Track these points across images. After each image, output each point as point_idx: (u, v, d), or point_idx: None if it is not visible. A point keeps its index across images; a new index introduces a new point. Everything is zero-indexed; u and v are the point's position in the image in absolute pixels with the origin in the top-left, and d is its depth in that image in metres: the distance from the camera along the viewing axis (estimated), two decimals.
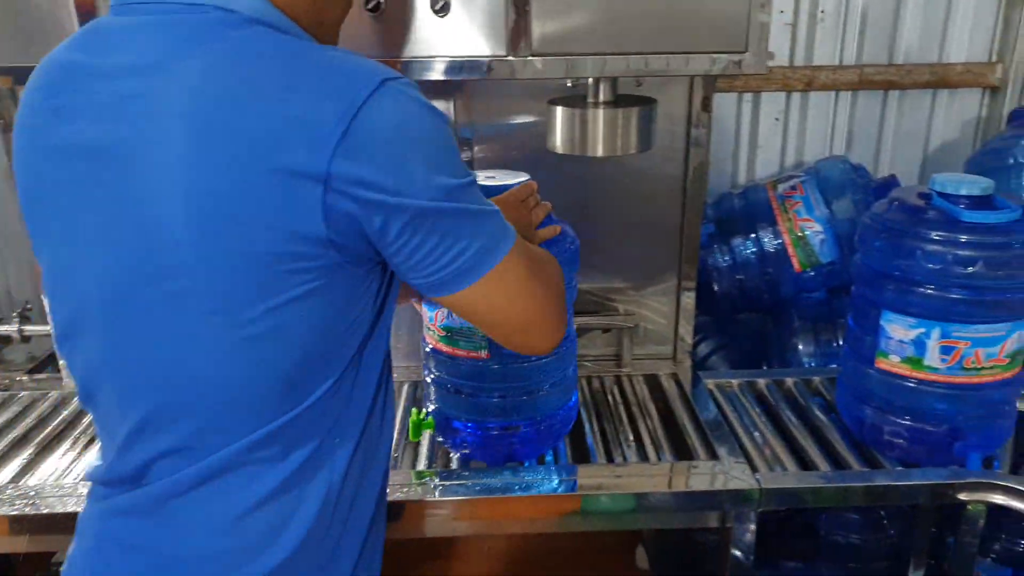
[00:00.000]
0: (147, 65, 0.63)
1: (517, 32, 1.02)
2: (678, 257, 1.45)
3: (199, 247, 0.62)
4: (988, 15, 1.82)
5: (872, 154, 1.91)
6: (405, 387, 1.46)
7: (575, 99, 1.15)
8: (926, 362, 1.12)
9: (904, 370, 1.15)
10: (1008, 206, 1.10)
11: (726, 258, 1.53)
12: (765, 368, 1.63)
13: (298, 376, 0.68)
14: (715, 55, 1.04)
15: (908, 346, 1.13)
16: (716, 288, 1.55)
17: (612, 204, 1.42)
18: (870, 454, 1.23)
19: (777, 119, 1.87)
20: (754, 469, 1.16)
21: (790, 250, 1.48)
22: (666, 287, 1.48)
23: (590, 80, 1.12)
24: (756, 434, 1.29)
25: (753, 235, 1.51)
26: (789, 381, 1.45)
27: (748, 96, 1.85)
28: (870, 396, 1.20)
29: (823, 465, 1.19)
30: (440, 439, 1.22)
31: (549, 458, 1.21)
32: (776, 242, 1.49)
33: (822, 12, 1.80)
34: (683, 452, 1.25)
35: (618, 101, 1.15)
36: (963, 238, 1.07)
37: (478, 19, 1.02)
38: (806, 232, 1.47)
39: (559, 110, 1.13)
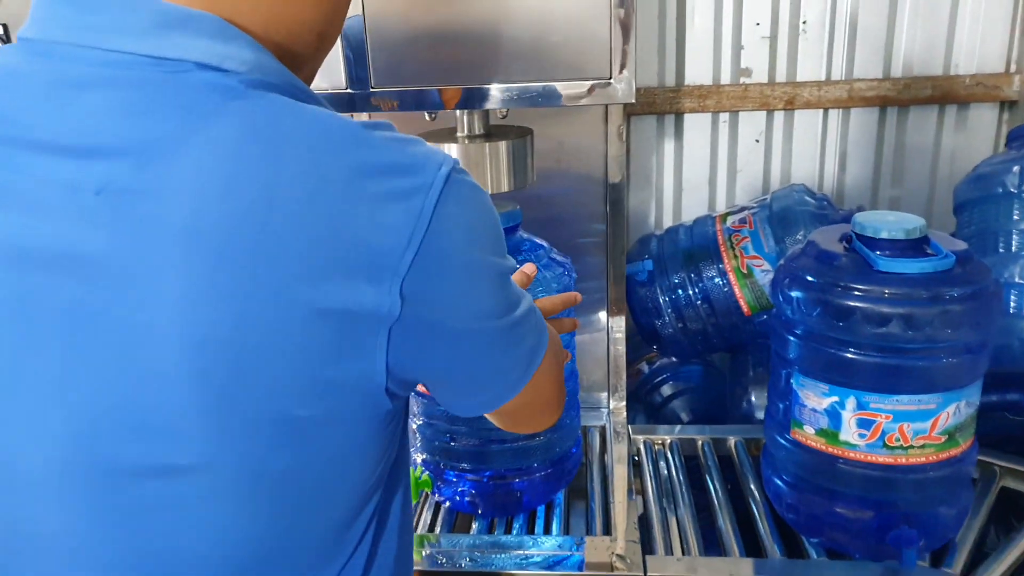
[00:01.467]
0: (111, 147, 0.44)
1: (356, 65, 0.93)
2: (605, 299, 1.32)
3: (203, 411, 0.44)
4: (1001, 21, 1.59)
5: (869, 176, 1.71)
6: None
7: (445, 133, 1.05)
8: (842, 436, 0.96)
9: (819, 444, 0.98)
10: (941, 252, 0.92)
11: (668, 298, 1.38)
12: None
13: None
14: (569, 83, 0.92)
15: (822, 416, 0.97)
16: (660, 331, 1.40)
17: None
18: (795, 540, 1.06)
19: (758, 140, 1.70)
20: (648, 551, 1.02)
21: (737, 291, 1.32)
22: (595, 331, 1.35)
23: (457, 112, 1.02)
24: (666, 503, 1.14)
25: (695, 273, 1.35)
26: (731, 440, 1.29)
27: (724, 116, 1.68)
28: (787, 470, 1.04)
29: (734, 549, 1.04)
30: (434, 492, 1.16)
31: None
32: (721, 281, 1.33)
33: (804, 23, 1.63)
34: (574, 525, 1.13)
35: (491, 133, 1.04)
36: (877, 290, 0.90)
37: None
38: (753, 271, 1.31)
39: None
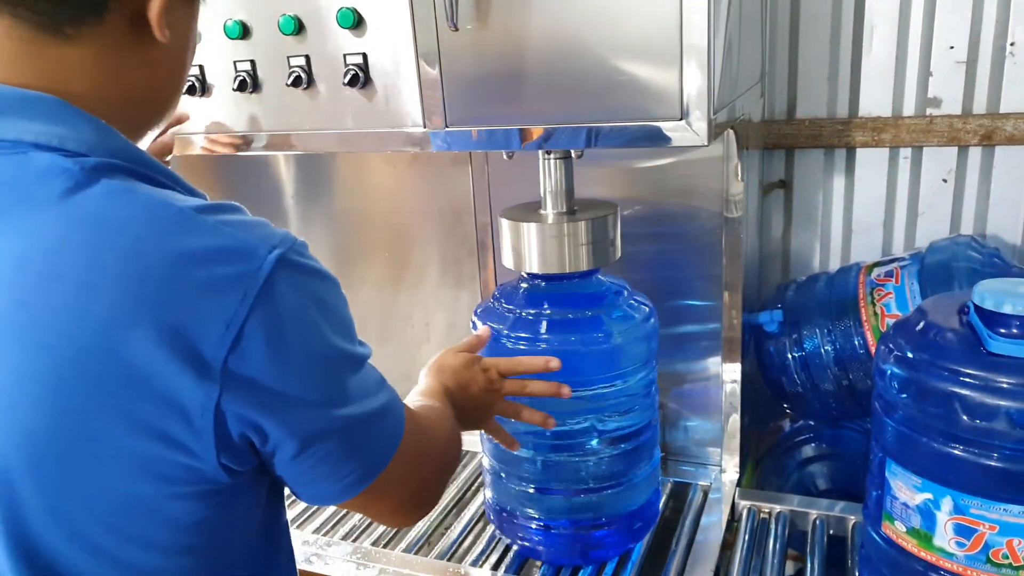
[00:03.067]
0: None
1: (431, 103, 0.96)
2: (720, 350, 1.23)
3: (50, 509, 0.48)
4: None
5: None
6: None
7: (529, 209, 1.05)
8: (936, 541, 0.81)
9: (910, 545, 0.83)
10: None
11: (797, 353, 1.24)
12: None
13: None
14: (637, 124, 0.87)
15: (914, 513, 0.82)
16: (787, 388, 1.27)
17: (651, 285, 1.25)
18: None
19: (945, 180, 1.48)
20: None
21: (874, 352, 1.16)
22: (706, 379, 1.26)
23: (543, 189, 1.02)
24: None
25: (829, 329, 1.21)
26: (849, 521, 1.13)
27: (905, 152, 1.49)
28: (878, 568, 0.89)
29: None
30: (498, 531, 1.15)
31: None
32: (858, 341, 1.18)
33: (1012, 45, 1.39)
34: None
35: (574, 210, 1.02)
36: (984, 376, 0.75)
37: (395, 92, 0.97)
38: None
39: (504, 223, 1.03)
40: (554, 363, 0.88)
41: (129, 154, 0.51)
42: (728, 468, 1.25)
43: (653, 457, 1.11)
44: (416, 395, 0.81)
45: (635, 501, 1.07)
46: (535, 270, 1.01)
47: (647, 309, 1.06)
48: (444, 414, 0.77)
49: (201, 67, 1.05)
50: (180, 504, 0.50)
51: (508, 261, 1.04)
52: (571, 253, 1.00)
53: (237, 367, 0.47)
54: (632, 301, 1.05)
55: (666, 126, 0.86)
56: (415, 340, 1.50)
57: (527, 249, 1.01)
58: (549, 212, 1.03)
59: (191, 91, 1.06)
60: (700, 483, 1.25)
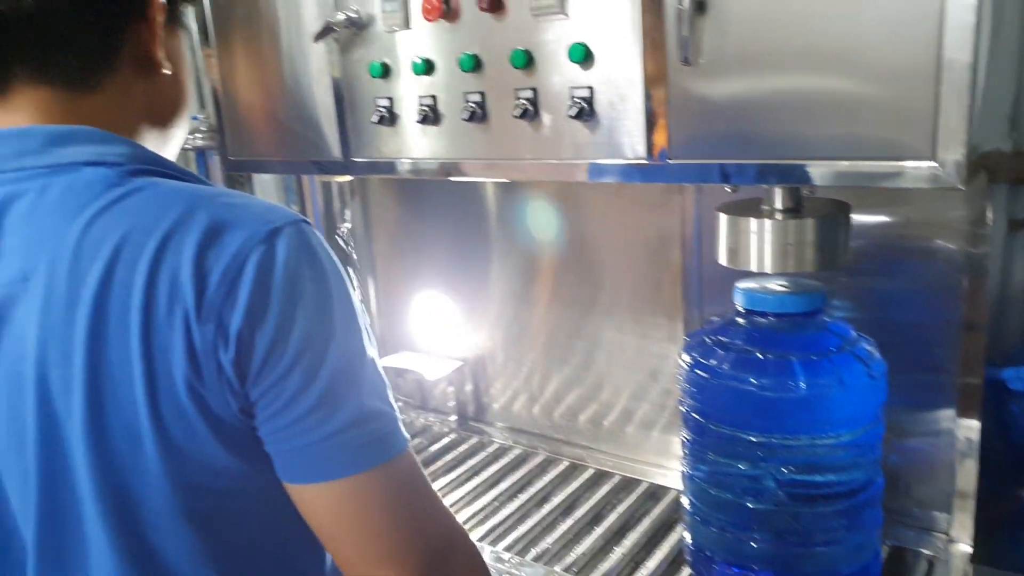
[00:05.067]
0: (33, 245, 0.58)
1: (653, 135, 0.95)
2: (954, 403, 1.11)
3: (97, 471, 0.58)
4: None
5: None
6: (641, 487, 1.41)
7: (748, 205, 1.00)
8: None
9: None
10: None
11: None
12: None
13: None
14: (878, 162, 0.81)
15: None
16: None
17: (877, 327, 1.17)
18: None
19: None
20: None
21: None
22: (938, 435, 1.15)
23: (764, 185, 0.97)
24: None
25: None
26: None
27: None
28: None
29: None
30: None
31: None
32: None
33: None
34: None
35: (799, 208, 0.96)
36: None
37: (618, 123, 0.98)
38: None
39: (722, 218, 1.00)
40: None
41: (155, 160, 0.63)
42: (959, 538, 1.13)
43: (874, 519, 1.02)
44: None
45: (850, 564, 1.00)
46: (754, 268, 0.96)
47: (876, 356, 0.99)
48: None
49: (434, 97, 1.12)
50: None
51: (723, 258, 1.00)
52: (795, 252, 0.94)
53: (221, 307, 0.54)
54: (860, 346, 0.98)
55: (912, 165, 0.79)
56: (608, 365, 1.50)
57: (745, 246, 0.96)
58: (773, 208, 0.97)
59: (424, 120, 1.12)
60: (924, 551, 1.14)
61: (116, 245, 0.55)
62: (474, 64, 1.05)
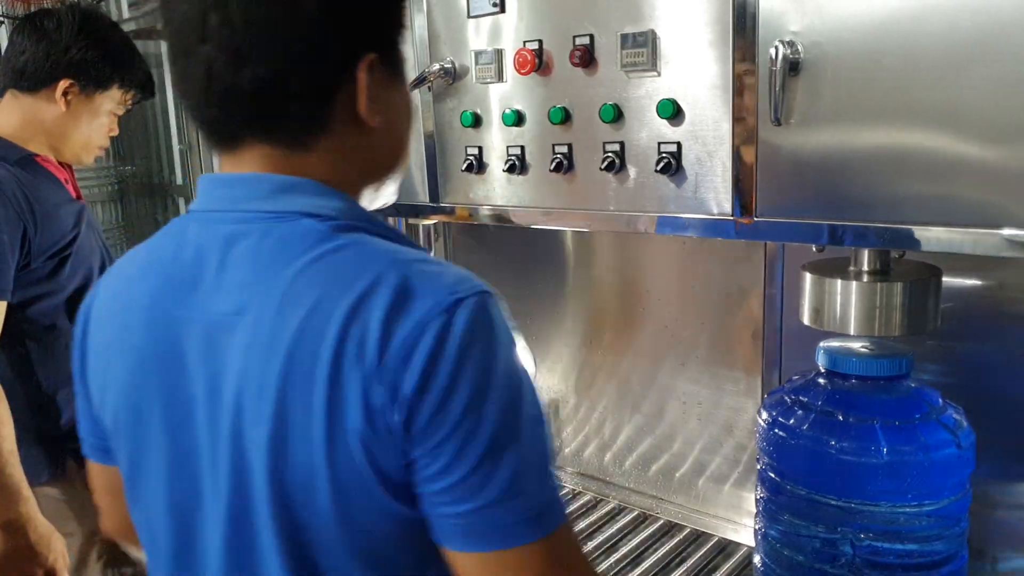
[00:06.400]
0: (249, 285, 0.63)
1: (742, 192, 0.96)
2: None
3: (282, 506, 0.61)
4: None
5: None
6: (711, 541, 1.39)
7: (834, 265, 1.00)
8: None
9: None
10: None
11: None
12: None
13: None
14: (972, 230, 0.80)
15: None
16: None
17: (965, 394, 1.13)
18: None
19: None
20: None
21: None
22: None
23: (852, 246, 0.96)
24: None
25: None
26: None
27: None
28: None
29: None
30: None
31: None
32: None
33: None
34: None
35: (887, 271, 0.95)
36: None
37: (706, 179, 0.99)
38: None
39: (807, 277, 0.99)
40: None
41: (365, 217, 0.67)
42: None
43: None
44: None
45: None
46: (838, 329, 0.95)
47: (964, 425, 0.96)
48: None
49: (522, 147, 1.15)
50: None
51: (807, 318, 0.99)
52: (881, 316, 0.93)
53: (408, 389, 0.56)
54: (947, 414, 0.96)
55: (1010, 233, 0.78)
56: (682, 416, 1.49)
57: (830, 307, 0.95)
58: (860, 269, 0.96)
59: (511, 169, 1.16)
60: None
61: (317, 297, 0.59)
62: (563, 117, 1.09)
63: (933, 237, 0.83)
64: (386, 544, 0.61)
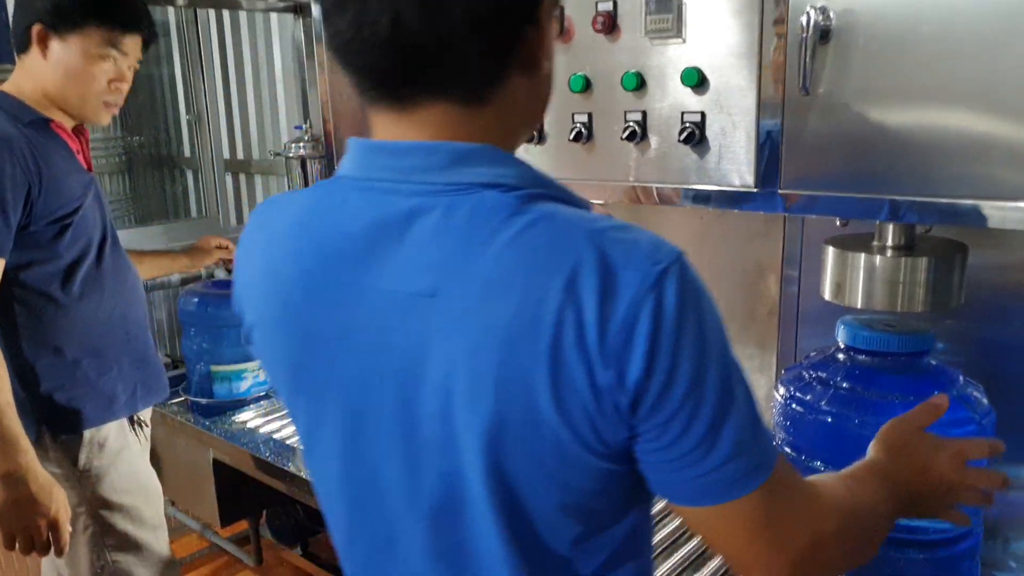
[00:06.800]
0: (436, 263, 0.60)
1: (768, 165, 0.94)
2: None
3: (494, 485, 0.61)
4: None
5: None
6: None
7: (858, 240, 0.98)
8: None
9: None
10: None
11: None
12: None
13: None
14: (1003, 203, 0.78)
15: None
16: None
17: (985, 373, 1.12)
18: None
19: None
20: None
21: None
22: None
23: (876, 220, 0.95)
24: None
25: None
26: None
27: None
28: None
29: None
30: None
31: None
32: None
33: None
34: None
35: (912, 246, 0.94)
36: None
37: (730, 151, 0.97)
38: None
39: (829, 251, 0.98)
40: (1002, 447, 0.80)
41: (545, 183, 0.62)
42: None
43: (970, 571, 0.98)
44: (852, 467, 0.77)
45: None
46: (860, 305, 0.94)
47: (984, 404, 0.95)
48: (859, 490, 0.72)
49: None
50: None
51: (828, 293, 0.98)
52: (905, 292, 0.92)
53: (620, 353, 0.55)
54: (967, 392, 0.95)
55: None
56: None
57: (853, 281, 0.94)
58: (885, 244, 0.95)
59: (528, 140, 1.14)
60: None
61: (523, 284, 0.57)
62: (584, 85, 1.07)
63: (961, 210, 0.81)
64: (592, 497, 0.63)
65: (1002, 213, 0.80)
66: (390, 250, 0.61)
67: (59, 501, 1.26)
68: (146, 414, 1.55)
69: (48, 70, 1.32)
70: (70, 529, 1.29)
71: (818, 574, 0.66)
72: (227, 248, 1.93)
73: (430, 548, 0.66)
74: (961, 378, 0.97)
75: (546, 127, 1.14)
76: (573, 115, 1.10)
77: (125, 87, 1.39)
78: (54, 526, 1.26)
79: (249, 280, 0.71)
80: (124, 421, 1.46)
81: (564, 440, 0.58)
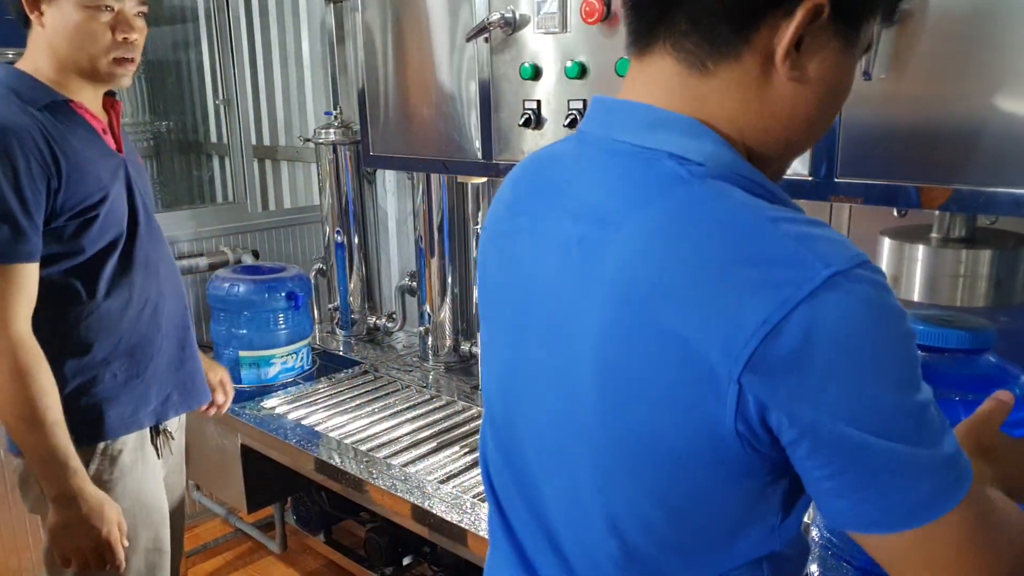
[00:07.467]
0: (596, 213, 0.61)
1: (823, 153, 0.91)
2: None
3: (605, 421, 0.60)
4: None
5: None
6: None
7: (915, 231, 0.95)
8: None
9: None
10: None
11: None
12: None
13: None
14: None
15: None
16: None
17: None
18: None
19: None
20: None
21: None
22: None
23: (936, 211, 0.91)
24: None
25: None
26: None
27: None
28: None
29: None
30: None
31: None
32: None
33: None
34: None
35: (974, 239, 0.91)
36: None
37: None
38: None
39: (885, 242, 0.95)
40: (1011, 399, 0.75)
41: (737, 168, 0.59)
42: None
43: None
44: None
45: None
46: (917, 298, 0.91)
47: None
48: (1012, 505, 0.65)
49: (584, 101, 1.11)
50: (694, 451, 0.57)
51: None
52: (966, 286, 0.89)
53: (763, 358, 0.51)
54: None
55: None
56: None
57: (910, 274, 0.91)
58: (945, 236, 0.92)
59: (572, 124, 1.12)
60: None
61: (685, 258, 0.55)
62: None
63: (1010, 202, 0.78)
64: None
65: None
66: (568, 196, 0.64)
67: (111, 521, 1.21)
68: (173, 423, 1.42)
69: (51, 38, 1.21)
70: (126, 544, 1.24)
71: None
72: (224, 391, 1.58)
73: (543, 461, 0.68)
74: (1022, 375, 0.94)
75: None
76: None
77: (135, 36, 1.25)
78: (107, 546, 1.21)
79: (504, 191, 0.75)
80: (146, 432, 1.34)
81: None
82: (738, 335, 0.52)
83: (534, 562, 0.72)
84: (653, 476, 0.60)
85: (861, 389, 0.51)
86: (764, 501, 0.61)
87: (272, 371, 1.98)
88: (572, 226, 0.62)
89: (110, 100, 1.32)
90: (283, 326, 1.98)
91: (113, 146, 1.30)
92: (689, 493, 0.60)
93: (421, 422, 1.74)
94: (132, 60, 1.26)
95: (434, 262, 2.04)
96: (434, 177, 1.89)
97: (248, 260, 2.36)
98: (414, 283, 2.17)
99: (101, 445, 1.28)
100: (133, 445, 1.32)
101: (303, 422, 1.76)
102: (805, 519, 0.77)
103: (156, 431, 1.37)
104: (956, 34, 0.79)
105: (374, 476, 1.47)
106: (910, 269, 0.92)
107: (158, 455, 1.39)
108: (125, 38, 1.23)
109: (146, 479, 1.35)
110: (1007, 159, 0.79)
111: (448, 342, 2.08)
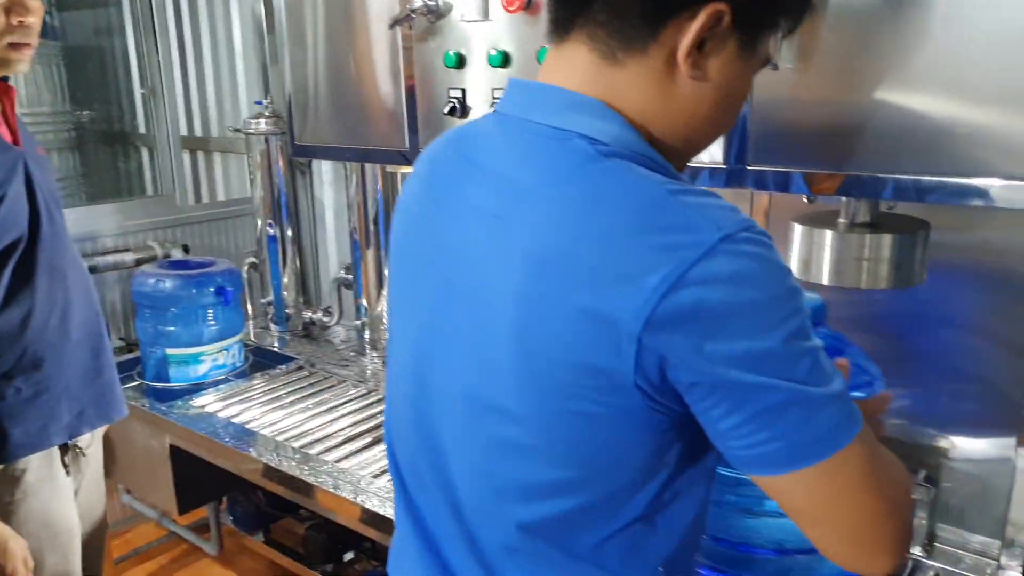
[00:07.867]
0: (512, 188, 0.64)
1: (736, 140, 0.93)
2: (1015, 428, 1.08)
3: (520, 385, 0.63)
4: None
5: None
6: None
7: (824, 216, 0.98)
8: None
9: None
10: None
11: None
12: None
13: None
14: (976, 179, 0.78)
15: None
16: None
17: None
18: None
19: None
20: None
21: None
22: (996, 461, 1.11)
23: (842, 197, 0.95)
24: None
25: None
26: None
27: None
28: None
29: None
30: None
31: None
32: None
33: None
34: None
35: (877, 223, 0.94)
36: None
37: None
38: None
39: (797, 228, 0.98)
40: (889, 397, 0.78)
41: (638, 148, 0.63)
42: (1009, 566, 1.10)
43: None
44: None
45: None
46: (825, 281, 0.94)
47: (872, 373, 0.96)
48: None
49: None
50: (602, 407, 0.60)
51: (795, 270, 0.98)
52: (870, 269, 0.92)
53: (661, 314, 0.55)
54: (856, 363, 0.95)
55: (1001, 184, 0.77)
56: None
57: (818, 259, 0.95)
58: (851, 221, 0.95)
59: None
60: None
61: (593, 230, 0.59)
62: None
63: (925, 187, 0.81)
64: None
65: (970, 188, 0.80)
66: (484, 171, 0.67)
67: (15, 557, 1.13)
68: (85, 439, 1.35)
69: None
70: None
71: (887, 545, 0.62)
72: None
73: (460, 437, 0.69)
74: (855, 347, 0.99)
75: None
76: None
77: (32, 20, 1.15)
78: None
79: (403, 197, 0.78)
80: (55, 450, 1.25)
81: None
82: (639, 296, 0.55)
83: (440, 545, 0.73)
84: (566, 439, 0.63)
85: (754, 336, 0.55)
86: (663, 457, 0.64)
87: (202, 369, 1.93)
88: (489, 200, 0.65)
89: (3, 86, 1.21)
90: (213, 322, 1.94)
91: (9, 138, 1.19)
92: (598, 452, 0.63)
93: (357, 417, 1.73)
94: (29, 44, 1.17)
95: (370, 254, 2.02)
96: (368, 168, 1.87)
97: (177, 255, 2.30)
98: (350, 276, 2.14)
99: (1, 467, 1.19)
100: (39, 464, 1.23)
101: (235, 420, 1.72)
102: None
103: (65, 447, 1.29)
104: (855, 25, 0.82)
105: (305, 472, 1.45)
106: (819, 254, 0.95)
107: (67, 472, 1.30)
108: (21, 21, 1.14)
109: (53, 499, 1.26)
110: (899, 147, 0.82)
111: (386, 335, 2.06)
